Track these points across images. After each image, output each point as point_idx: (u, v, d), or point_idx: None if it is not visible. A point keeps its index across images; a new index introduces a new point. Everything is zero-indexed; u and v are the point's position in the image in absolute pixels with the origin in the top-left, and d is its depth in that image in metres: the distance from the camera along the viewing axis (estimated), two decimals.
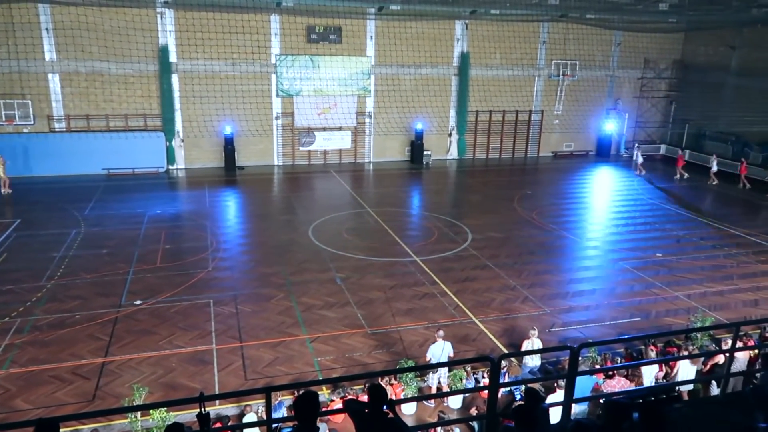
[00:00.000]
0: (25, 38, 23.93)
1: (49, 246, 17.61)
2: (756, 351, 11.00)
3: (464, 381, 10.97)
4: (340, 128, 29.88)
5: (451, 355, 11.11)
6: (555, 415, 5.99)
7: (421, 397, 10.85)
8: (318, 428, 4.28)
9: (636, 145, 31.34)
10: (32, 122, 25.48)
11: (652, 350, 11.44)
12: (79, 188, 23.97)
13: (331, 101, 29.26)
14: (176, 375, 11.37)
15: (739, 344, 9.82)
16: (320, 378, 11.22)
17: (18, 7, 23.66)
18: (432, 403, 10.88)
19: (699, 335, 12.43)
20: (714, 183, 27.20)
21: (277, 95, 28.62)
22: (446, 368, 11.11)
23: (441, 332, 11.30)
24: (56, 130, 26.06)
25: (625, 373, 10.83)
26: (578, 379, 5.41)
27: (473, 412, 10.26)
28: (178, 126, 27.59)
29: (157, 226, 19.84)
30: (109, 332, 12.80)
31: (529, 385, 8.43)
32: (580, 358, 8.59)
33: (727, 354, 9.98)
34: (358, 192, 25.39)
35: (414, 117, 30.25)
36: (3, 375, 11.17)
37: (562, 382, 9.53)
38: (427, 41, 29.60)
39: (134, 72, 26.28)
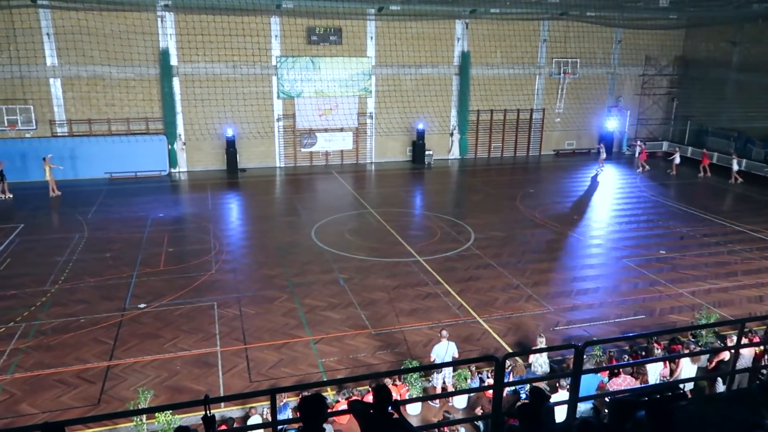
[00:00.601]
0: (27, 43, 24.00)
1: (53, 250, 17.65)
2: (762, 347, 10.98)
3: (469, 381, 10.96)
4: (341, 129, 29.89)
5: (456, 355, 11.11)
6: (561, 414, 5.99)
7: (426, 397, 10.84)
8: (324, 429, 4.28)
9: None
10: (34, 127, 25.55)
11: (657, 348, 11.41)
12: (82, 192, 24.03)
13: (332, 102, 29.27)
14: (181, 378, 11.38)
15: (744, 341, 9.80)
16: (325, 379, 11.22)
17: (19, 13, 23.72)
18: (437, 403, 10.87)
19: (704, 332, 12.39)
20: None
21: (278, 97, 28.65)
22: (451, 368, 11.10)
23: (445, 332, 11.29)
24: (58, 134, 26.12)
25: (631, 371, 10.81)
26: (583, 377, 5.39)
27: (478, 411, 10.26)
28: (180, 129, 27.63)
29: (160, 229, 19.87)
30: (113, 336, 12.82)
31: (534, 384, 8.42)
32: (584, 357, 8.58)
33: (733, 350, 9.95)
34: (360, 193, 25.39)
35: (415, 117, 30.24)
36: (8, 379, 11.19)
37: (565, 382, 9.53)
38: (427, 41, 29.60)
39: (135, 76, 26.33)
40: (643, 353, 11.81)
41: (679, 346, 11.87)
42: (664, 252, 18.09)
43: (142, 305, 14.23)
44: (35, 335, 12.78)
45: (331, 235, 19.54)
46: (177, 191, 25.92)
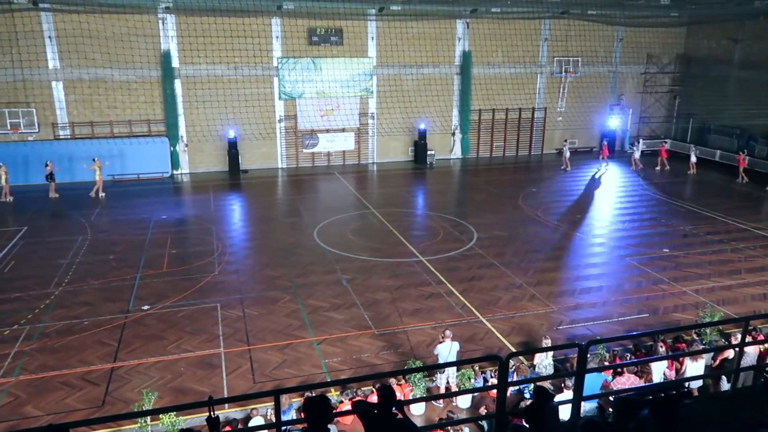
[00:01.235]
0: (29, 46, 24.03)
1: (57, 253, 17.69)
2: (766, 345, 10.95)
3: (473, 380, 10.95)
4: (343, 130, 29.90)
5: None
6: (565, 414, 5.98)
7: (430, 397, 10.84)
8: (328, 430, 4.28)
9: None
10: (37, 130, 25.60)
11: (661, 346, 11.39)
12: (85, 195, 24.06)
13: (334, 103, 29.28)
14: (185, 379, 11.40)
15: (748, 339, 9.78)
16: (328, 380, 11.23)
17: (21, 16, 23.78)
18: (441, 403, 10.87)
19: (708, 330, 12.36)
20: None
21: (280, 98, 28.67)
22: (454, 368, 11.10)
23: (448, 332, 11.28)
24: (61, 137, 26.18)
25: (635, 370, 10.79)
26: (587, 376, 5.38)
27: (482, 411, 10.25)
28: (182, 131, 27.68)
29: (163, 231, 19.90)
30: (117, 338, 12.85)
31: (538, 384, 8.41)
32: (588, 356, 8.57)
33: (737, 349, 9.92)
34: (363, 193, 25.40)
35: (417, 117, 30.23)
36: (13, 382, 11.22)
37: (570, 382, 9.51)
38: (428, 41, 29.58)
39: (137, 78, 26.37)
40: (645, 351, 11.79)
41: (684, 345, 11.84)
42: (667, 250, 18.06)
43: (146, 307, 14.25)
44: (39, 338, 12.81)
45: (333, 235, 19.55)
46: (179, 193, 25.95)
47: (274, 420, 5.02)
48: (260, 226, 21.26)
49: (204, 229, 20.14)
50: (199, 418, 9.49)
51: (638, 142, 30.44)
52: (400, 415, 4.62)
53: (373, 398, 9.57)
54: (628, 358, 11.34)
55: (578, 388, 5.28)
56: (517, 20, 29.35)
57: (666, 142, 31.06)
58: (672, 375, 11.03)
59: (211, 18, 25.23)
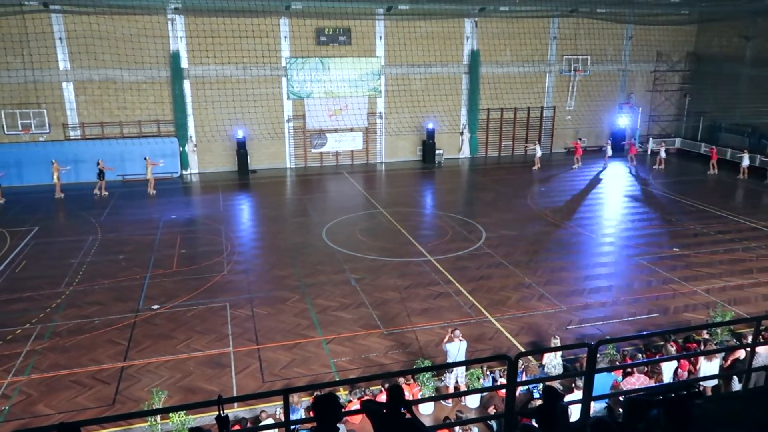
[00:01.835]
0: (39, 48, 24.25)
1: (67, 253, 17.82)
2: None
3: (481, 380, 10.93)
4: (351, 129, 29.92)
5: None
6: (575, 414, 5.95)
7: (439, 396, 10.83)
8: (338, 429, 4.28)
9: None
10: (48, 131, 25.82)
11: (671, 346, 11.32)
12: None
13: (342, 103, 29.31)
14: (194, 378, 11.45)
15: (760, 339, 9.69)
16: (337, 379, 11.24)
17: (32, 18, 23.99)
18: (450, 402, 10.85)
19: (719, 330, 12.27)
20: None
21: (288, 98, 28.73)
22: (463, 368, 11.08)
23: (458, 332, 11.26)
24: (71, 138, 26.38)
25: (645, 370, 10.72)
26: (597, 376, 5.35)
27: (491, 411, 10.22)
28: (191, 131, 27.81)
29: (173, 231, 20.00)
30: (127, 337, 12.93)
31: (548, 383, 8.38)
32: (598, 356, 8.52)
33: (749, 349, 9.84)
34: (371, 193, 25.41)
35: (425, 116, 30.20)
36: (25, 381, 11.32)
37: (580, 382, 9.47)
38: (436, 40, 29.54)
39: (146, 79, 26.52)
40: (655, 351, 11.71)
41: (695, 345, 11.75)
42: (677, 249, 17.93)
43: (156, 306, 14.33)
44: (51, 337, 12.92)
45: (342, 235, 19.57)
46: (188, 193, 26.07)
47: (283, 419, 5.03)
48: (269, 225, 21.31)
49: (213, 229, 20.22)
50: (208, 417, 9.52)
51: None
52: (408, 415, 4.62)
53: (382, 398, 9.57)
54: (638, 358, 11.27)
55: (588, 388, 5.26)
56: (526, 19, 29.26)
57: (633, 141, 30.91)
58: (684, 375, 10.95)
59: (220, 18, 25.35)
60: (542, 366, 11.39)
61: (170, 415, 9.50)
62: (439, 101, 30.11)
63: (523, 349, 12.18)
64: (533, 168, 28.99)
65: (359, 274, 16.32)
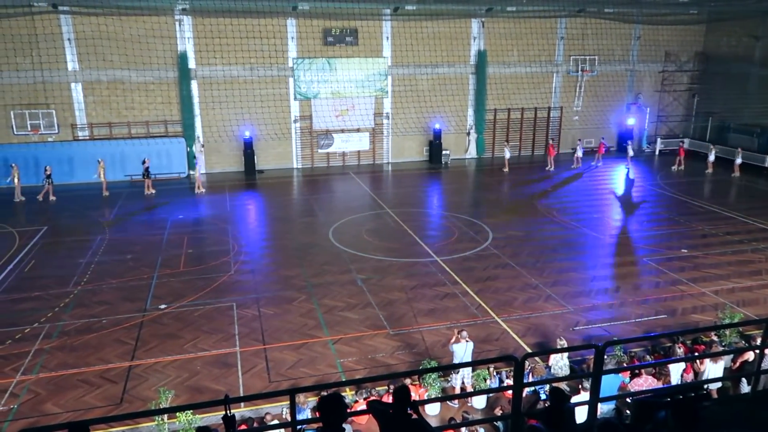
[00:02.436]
0: (48, 49, 24.40)
1: (76, 252, 17.93)
2: None
3: (488, 381, 10.90)
4: (358, 130, 29.93)
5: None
6: (582, 415, 5.93)
7: (445, 397, 10.81)
8: (344, 429, 4.28)
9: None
10: (56, 131, 25.99)
11: (680, 348, 11.25)
12: (104, 195, 24.37)
13: (349, 103, 29.32)
14: (201, 378, 11.49)
15: None
16: (343, 379, 11.24)
17: (41, 19, 24.15)
18: (456, 403, 10.84)
19: (727, 332, 12.18)
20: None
21: (295, 98, 28.78)
22: (470, 368, 11.06)
23: (465, 332, 11.24)
24: (80, 138, 26.53)
25: (653, 371, 10.67)
26: (604, 378, 5.33)
27: (497, 412, 10.20)
28: (198, 131, 27.90)
29: (180, 231, 20.08)
30: (135, 336, 12.99)
31: (555, 385, 8.35)
32: (605, 357, 8.48)
33: (758, 351, 9.77)
34: (378, 193, 25.41)
35: (432, 117, 30.18)
36: (33, 379, 11.40)
37: (587, 383, 9.43)
38: (443, 40, 29.50)
39: (154, 79, 26.63)
40: (663, 353, 11.64)
41: (702, 347, 11.67)
42: (685, 251, 17.83)
43: (163, 306, 14.39)
44: (59, 336, 13.00)
45: (348, 235, 19.58)
46: (196, 193, 26.14)
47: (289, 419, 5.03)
48: (275, 226, 21.36)
49: (220, 229, 20.28)
50: (215, 417, 9.54)
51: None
52: (415, 416, 4.62)
53: (388, 398, 9.57)
54: (646, 359, 11.20)
55: (595, 390, 5.24)
56: (533, 19, 29.19)
57: (602, 139, 30.86)
58: (690, 377, 10.88)
59: (227, 19, 25.43)
60: (549, 367, 11.36)
61: (177, 414, 9.54)
62: (446, 102, 30.08)
63: (529, 350, 12.15)
64: (503, 170, 28.67)
65: (366, 274, 16.33)
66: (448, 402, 10.82)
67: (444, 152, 30.57)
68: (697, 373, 10.89)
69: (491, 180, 28.11)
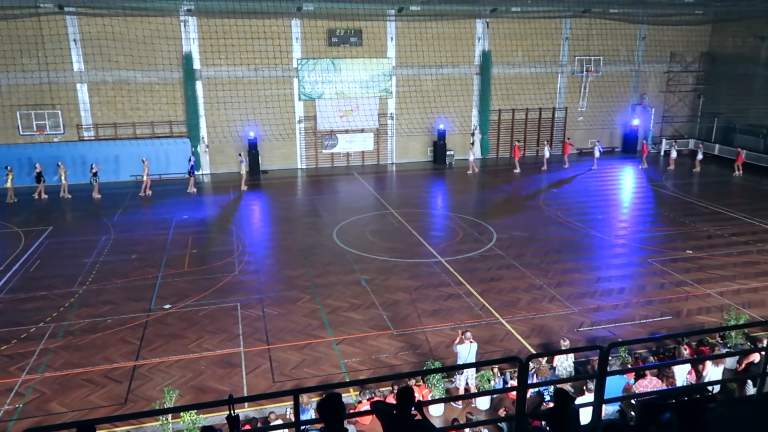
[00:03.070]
0: (54, 50, 24.51)
1: (81, 252, 17.99)
2: None
3: (492, 382, 10.88)
4: (362, 130, 29.95)
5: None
6: (586, 417, 5.91)
7: (449, 398, 10.80)
8: (347, 430, 4.28)
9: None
10: (62, 131, 26.10)
11: (685, 349, 11.21)
12: (108, 195, 24.44)
13: (353, 103, 29.34)
14: (205, 378, 11.51)
15: None
16: (347, 380, 11.24)
17: (47, 20, 24.25)
18: (460, 404, 10.82)
19: (733, 334, 12.13)
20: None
21: (300, 99, 28.81)
22: (474, 369, 11.04)
23: (468, 333, 11.23)
24: (85, 138, 26.63)
25: (657, 372, 10.63)
26: (609, 379, 5.31)
27: (501, 413, 10.18)
28: (203, 132, 27.97)
29: (184, 231, 20.12)
30: (139, 336, 13.02)
31: (559, 386, 8.32)
32: (610, 358, 8.44)
33: (763, 352, 9.72)
34: (382, 193, 25.41)
35: (436, 117, 30.16)
36: (38, 379, 11.44)
37: (591, 385, 9.40)
38: (447, 41, 29.50)
39: (159, 80, 26.71)
40: (668, 354, 11.60)
41: (707, 348, 11.63)
42: (690, 252, 17.76)
43: (167, 306, 14.42)
44: (64, 335, 13.04)
45: (352, 236, 19.58)
46: (200, 193, 26.18)
47: (293, 419, 5.04)
48: (280, 226, 21.39)
49: (224, 230, 20.32)
50: (219, 417, 9.57)
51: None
52: (418, 416, 4.61)
53: (392, 399, 9.56)
54: (651, 361, 11.17)
55: (599, 391, 5.22)
56: (538, 19, 29.13)
57: (569, 139, 30.96)
58: (693, 379, 10.84)
59: (232, 20, 25.47)
60: (553, 368, 11.33)
61: (181, 414, 9.56)
62: (451, 102, 30.05)
63: (534, 351, 12.13)
64: (468, 173, 28.37)
65: (370, 274, 16.33)
66: (452, 403, 10.80)
67: (448, 153, 30.54)
68: (699, 375, 10.84)
69: (496, 180, 28.06)
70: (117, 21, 24.59)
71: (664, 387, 10.17)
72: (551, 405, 5.46)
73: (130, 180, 26.51)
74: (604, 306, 14.39)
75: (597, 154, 29.50)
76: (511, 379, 11.12)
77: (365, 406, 9.73)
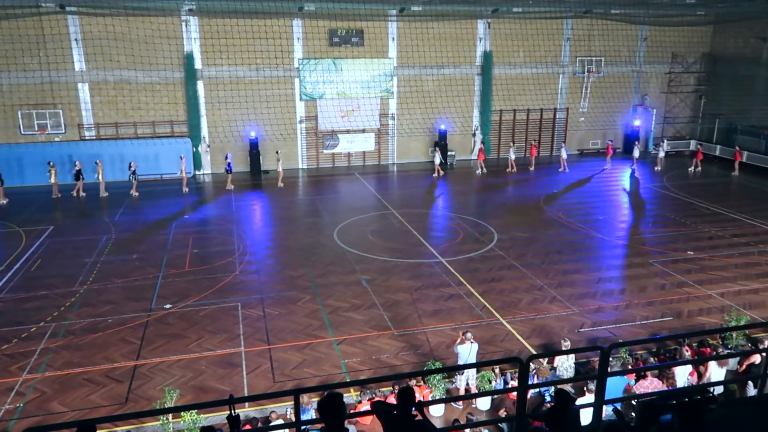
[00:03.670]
0: (56, 49, 24.54)
1: (82, 252, 18.00)
2: None
3: (492, 382, 10.88)
4: (363, 130, 29.95)
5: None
6: (587, 417, 5.91)
7: (450, 398, 10.79)
8: (347, 430, 4.28)
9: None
10: (63, 131, 26.13)
11: (686, 350, 11.20)
12: (110, 195, 24.49)
13: (354, 104, 29.34)
14: (206, 378, 11.51)
15: None
16: (348, 380, 11.24)
17: (48, 19, 24.28)
18: (460, 404, 10.82)
19: (734, 335, 12.12)
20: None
21: (301, 99, 28.82)
22: (474, 370, 11.04)
23: (469, 334, 11.23)
24: (86, 138, 26.65)
25: (657, 373, 10.62)
26: (609, 380, 5.31)
27: (502, 413, 10.18)
28: (204, 132, 27.98)
29: (185, 231, 20.13)
30: (140, 336, 13.03)
31: (559, 387, 8.31)
32: (610, 359, 8.44)
33: (764, 353, 9.70)
34: (383, 194, 25.41)
35: (437, 118, 30.16)
36: (39, 378, 11.45)
37: (592, 385, 9.40)
38: (449, 41, 29.49)
39: (160, 80, 26.73)
40: (668, 355, 11.59)
41: (708, 349, 11.62)
42: (692, 253, 17.74)
43: (168, 306, 14.43)
44: (65, 335, 13.05)
45: (353, 236, 19.58)
46: (201, 193, 26.22)
47: (293, 419, 5.04)
48: (280, 226, 21.39)
49: (225, 229, 20.33)
50: (219, 417, 9.57)
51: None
52: (419, 417, 4.61)
53: (392, 399, 9.56)
54: (651, 361, 11.16)
55: (600, 392, 5.21)
56: (539, 20, 29.12)
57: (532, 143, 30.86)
58: (694, 380, 10.84)
59: (233, 20, 25.49)
60: (554, 369, 11.32)
61: (182, 414, 9.56)
62: (452, 102, 30.05)
63: (534, 352, 12.12)
64: (433, 176, 28.07)
65: (370, 275, 16.33)
66: (452, 403, 10.80)
67: (449, 153, 30.52)
68: (700, 377, 10.84)
69: (497, 181, 28.05)
70: (118, 21, 24.61)
71: (665, 388, 10.16)
72: (552, 405, 5.45)
73: (130, 180, 26.47)
74: (605, 307, 14.38)
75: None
76: (512, 379, 11.11)
77: (366, 407, 9.73)
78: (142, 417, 9.88)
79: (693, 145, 33.20)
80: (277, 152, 26.59)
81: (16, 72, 24.81)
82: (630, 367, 11.06)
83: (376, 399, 9.92)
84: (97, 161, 24.67)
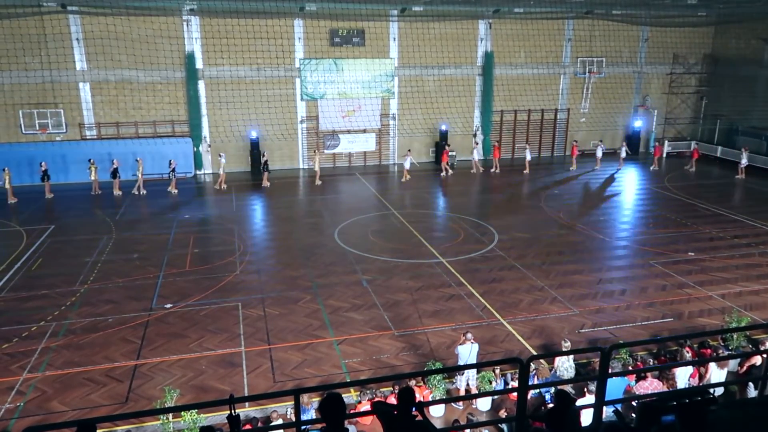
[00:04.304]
0: (57, 49, 24.55)
1: (83, 251, 18.01)
2: None
3: (493, 383, 10.88)
4: (364, 131, 29.95)
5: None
6: (587, 418, 5.90)
7: (450, 399, 10.79)
8: (347, 430, 4.28)
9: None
10: (64, 130, 26.15)
11: (687, 351, 11.19)
12: (111, 194, 24.50)
13: (355, 104, 29.35)
14: (206, 377, 11.51)
15: None
16: (348, 380, 11.24)
17: (50, 19, 24.30)
18: (461, 405, 10.81)
19: (735, 336, 12.12)
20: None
21: (302, 99, 28.83)
22: (474, 370, 11.04)
23: (469, 334, 11.22)
24: (87, 137, 26.67)
25: (658, 374, 10.61)
26: (610, 381, 5.31)
27: (502, 414, 10.17)
28: (205, 131, 28.00)
29: (186, 230, 20.14)
30: (140, 335, 13.03)
31: (560, 387, 8.31)
32: (611, 360, 8.43)
33: (765, 355, 9.69)
34: (383, 194, 25.40)
35: (438, 118, 30.16)
36: (40, 377, 11.45)
37: (592, 386, 9.39)
38: (450, 42, 29.49)
39: (162, 79, 26.75)
40: (669, 356, 11.57)
41: (709, 351, 11.61)
42: (692, 254, 17.73)
43: (169, 305, 14.43)
44: (65, 334, 13.06)
45: (354, 236, 19.58)
46: (202, 193, 26.24)
47: (293, 419, 5.03)
48: (281, 226, 21.39)
49: (226, 229, 20.33)
50: (219, 416, 9.57)
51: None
52: (419, 417, 4.61)
53: (393, 399, 9.56)
54: (650, 362, 11.15)
55: (600, 393, 5.21)
56: (540, 20, 29.12)
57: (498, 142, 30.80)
58: (695, 382, 10.83)
59: (235, 20, 25.49)
60: (554, 369, 11.32)
61: (182, 413, 9.55)
62: (453, 103, 30.05)
63: (535, 353, 12.12)
64: (402, 180, 27.46)
65: (371, 275, 16.33)
66: (452, 404, 10.79)
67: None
68: (701, 378, 10.83)
69: (498, 182, 28.04)
70: (120, 20, 24.62)
71: (665, 389, 10.15)
72: (552, 406, 5.45)
73: (132, 179, 26.47)
74: (606, 308, 14.37)
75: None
76: (512, 380, 11.11)
77: (366, 407, 9.73)
78: (142, 416, 9.88)
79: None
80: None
81: (18, 71, 24.83)
82: (630, 368, 11.05)
83: (377, 399, 9.92)
84: (138, 159, 25.00)
